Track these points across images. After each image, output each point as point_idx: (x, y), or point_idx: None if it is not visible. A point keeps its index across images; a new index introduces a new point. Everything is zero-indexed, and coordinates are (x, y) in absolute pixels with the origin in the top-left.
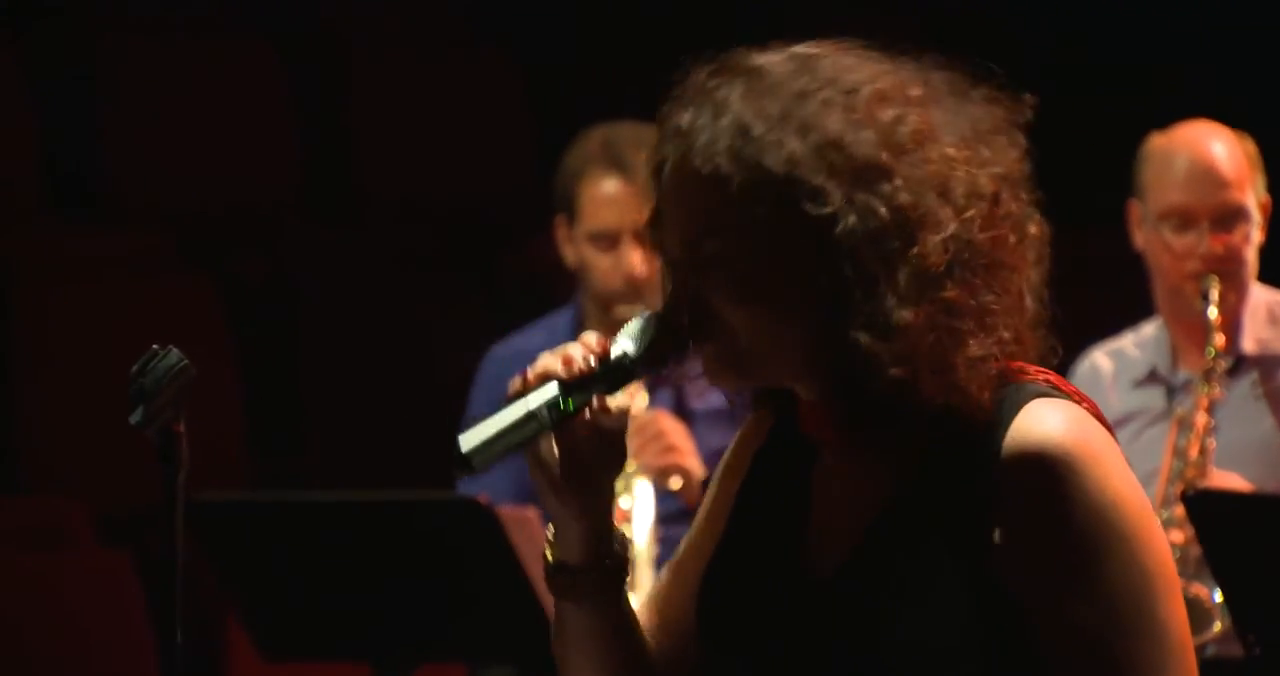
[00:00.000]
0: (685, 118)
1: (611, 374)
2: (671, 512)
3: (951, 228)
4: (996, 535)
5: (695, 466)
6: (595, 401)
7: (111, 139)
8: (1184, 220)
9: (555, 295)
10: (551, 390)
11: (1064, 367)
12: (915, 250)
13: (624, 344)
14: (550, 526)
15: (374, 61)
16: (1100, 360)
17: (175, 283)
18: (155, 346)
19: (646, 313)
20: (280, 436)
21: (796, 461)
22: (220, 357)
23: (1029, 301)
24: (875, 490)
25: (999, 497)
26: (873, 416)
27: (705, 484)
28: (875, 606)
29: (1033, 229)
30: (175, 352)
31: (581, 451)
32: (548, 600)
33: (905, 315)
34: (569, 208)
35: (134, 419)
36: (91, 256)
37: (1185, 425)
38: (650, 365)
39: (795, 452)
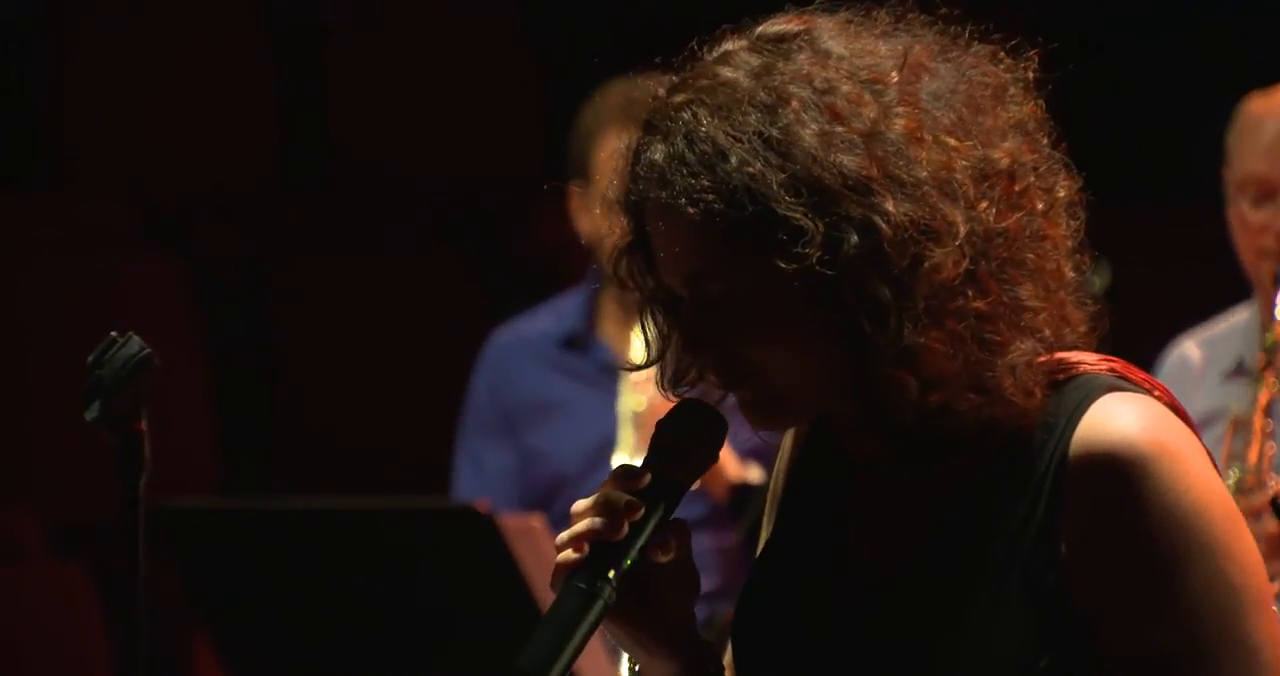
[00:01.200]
0: (659, 151)
1: (660, 503)
2: (699, 517)
3: (964, 229)
4: (1063, 548)
5: (726, 462)
6: (655, 538)
7: (71, 104)
8: (1262, 192)
9: (562, 280)
10: (607, 561)
11: (1152, 359)
12: (926, 266)
13: (663, 456)
14: (627, 660)
15: (358, 24)
16: (1190, 350)
17: (138, 263)
18: (114, 334)
19: (674, 410)
20: (253, 436)
21: (836, 475)
22: (187, 347)
23: (1068, 271)
24: (925, 503)
25: (1065, 506)
26: (913, 441)
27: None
28: (928, 630)
29: (1061, 190)
30: (136, 341)
31: (653, 595)
32: None
33: (927, 339)
34: (585, 173)
35: (90, 415)
36: (44, 233)
37: (1242, 426)
38: (700, 472)
39: (834, 465)
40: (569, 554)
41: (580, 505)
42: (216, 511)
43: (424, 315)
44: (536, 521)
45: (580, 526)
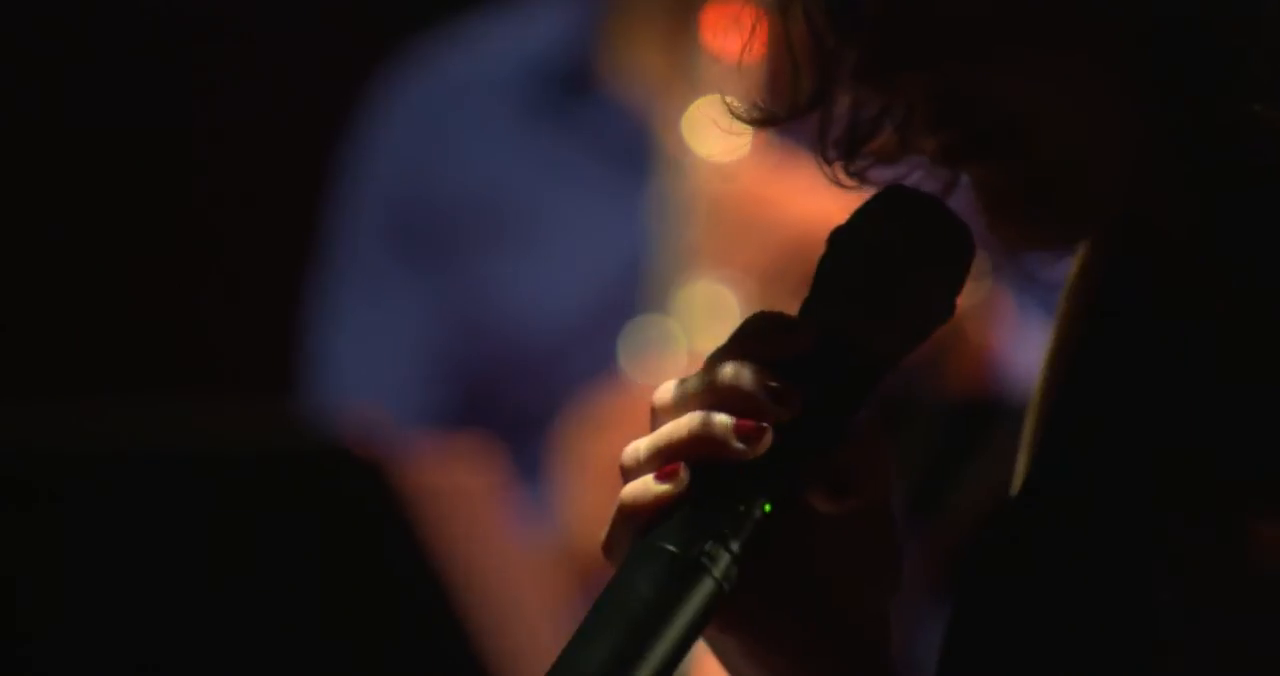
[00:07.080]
0: None
1: (836, 391)
2: None
3: None
4: None
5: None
6: (821, 465)
7: None
8: None
9: None
10: (723, 505)
11: None
12: None
13: (845, 296)
14: None
15: None
16: None
17: None
18: None
19: (867, 207)
20: None
21: (1154, 349)
22: None
23: None
24: None
25: None
26: None
27: None
28: None
29: None
30: None
31: (811, 578)
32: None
33: None
34: None
35: None
36: None
37: None
38: (922, 333)
39: (1149, 334)
40: (647, 487)
41: (670, 391)
42: None
43: (253, 51)
44: (476, 478)
45: (671, 432)
